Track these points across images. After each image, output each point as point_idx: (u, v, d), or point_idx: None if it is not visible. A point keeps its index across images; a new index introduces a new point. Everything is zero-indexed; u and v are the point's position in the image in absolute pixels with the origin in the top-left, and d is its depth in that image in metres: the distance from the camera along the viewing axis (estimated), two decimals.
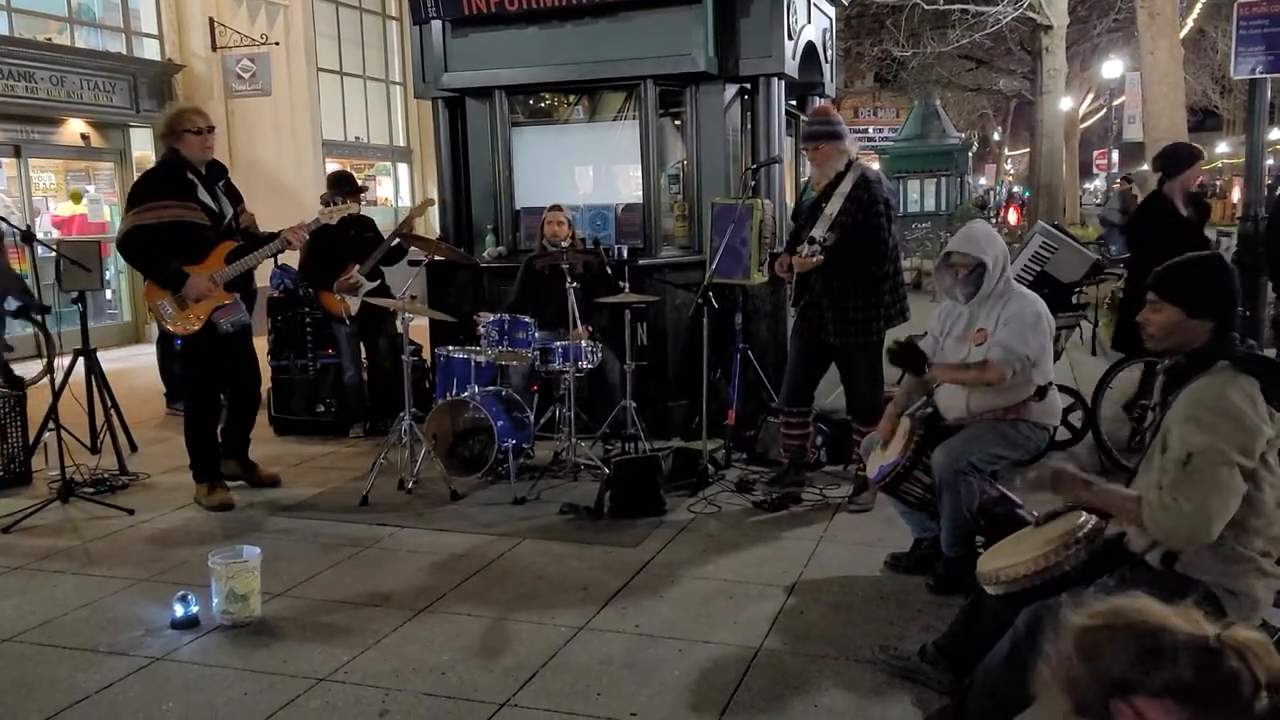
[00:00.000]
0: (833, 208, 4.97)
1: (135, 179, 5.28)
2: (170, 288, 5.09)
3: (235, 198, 5.42)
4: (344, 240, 6.61)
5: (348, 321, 6.73)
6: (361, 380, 6.97)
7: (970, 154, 24.97)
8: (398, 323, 5.72)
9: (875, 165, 23.94)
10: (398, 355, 5.93)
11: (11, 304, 7.61)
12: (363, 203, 6.90)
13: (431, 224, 7.65)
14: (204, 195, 5.17)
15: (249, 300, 5.40)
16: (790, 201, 7.33)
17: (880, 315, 5.07)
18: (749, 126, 6.74)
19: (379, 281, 6.72)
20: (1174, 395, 2.59)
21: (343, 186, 6.79)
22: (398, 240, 6.60)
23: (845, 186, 4.97)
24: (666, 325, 6.52)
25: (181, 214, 5.06)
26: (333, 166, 15.24)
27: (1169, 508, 2.44)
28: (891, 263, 5.06)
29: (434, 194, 7.78)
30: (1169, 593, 2.43)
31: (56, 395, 5.64)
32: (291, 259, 6.89)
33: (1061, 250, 5.91)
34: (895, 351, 4.12)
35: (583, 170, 7.30)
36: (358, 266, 6.58)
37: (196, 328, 5.16)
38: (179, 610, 3.77)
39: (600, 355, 5.90)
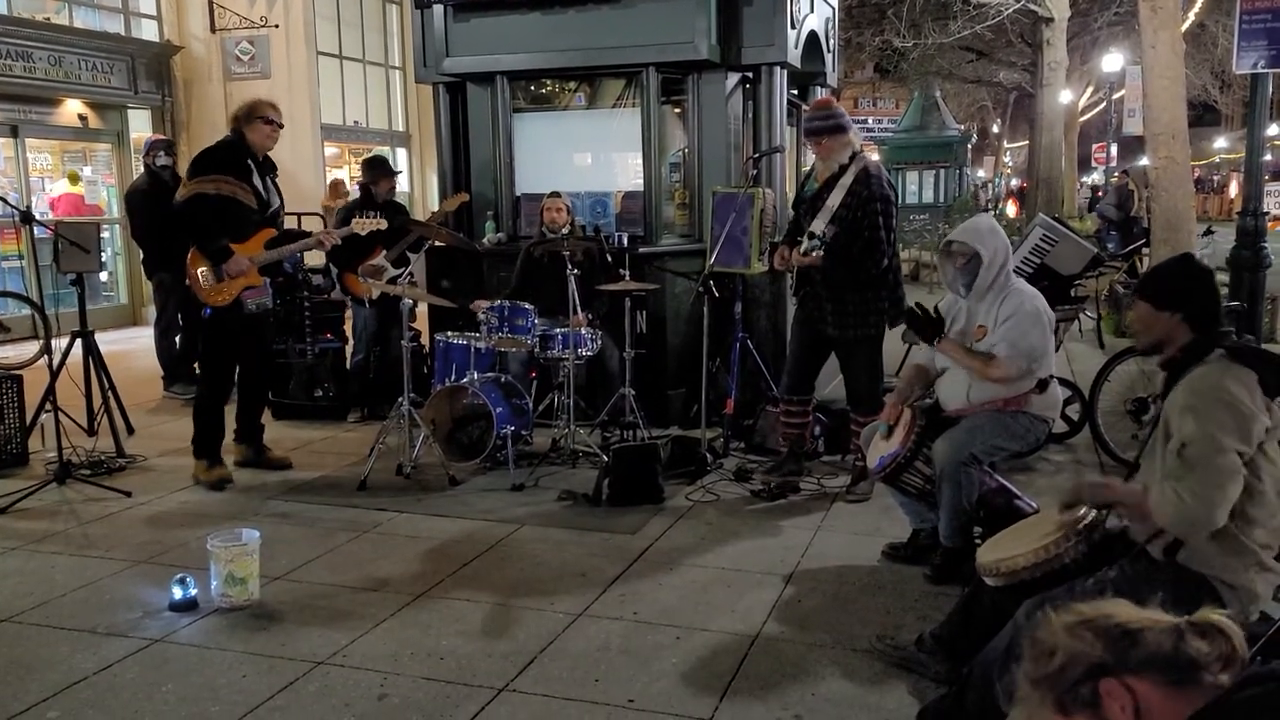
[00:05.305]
0: (834, 200, 4.96)
1: (195, 153, 5.58)
2: (214, 260, 5.27)
3: (279, 196, 5.66)
4: None
5: (366, 304, 6.79)
6: (368, 365, 6.98)
7: (969, 146, 24.92)
8: (403, 307, 5.72)
9: (875, 156, 23.93)
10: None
11: None
12: (395, 187, 7.22)
13: (431, 209, 7.63)
14: (257, 181, 5.41)
15: (274, 285, 5.66)
16: (791, 191, 7.31)
17: (879, 309, 5.07)
18: (751, 115, 6.73)
19: (404, 269, 6.70)
20: (1173, 388, 2.62)
21: (376, 169, 6.97)
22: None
23: (848, 179, 4.96)
24: (666, 313, 6.52)
25: (235, 191, 5.28)
26: (331, 150, 15.21)
27: (1170, 500, 2.48)
28: (890, 258, 5.06)
29: (433, 179, 7.78)
30: (1169, 585, 2.45)
31: (54, 377, 5.63)
32: None
33: (1062, 243, 5.93)
34: (916, 316, 4.09)
35: (583, 157, 7.28)
36: (384, 252, 6.61)
37: (227, 301, 5.34)
38: (177, 592, 3.77)
39: (600, 342, 5.90)
